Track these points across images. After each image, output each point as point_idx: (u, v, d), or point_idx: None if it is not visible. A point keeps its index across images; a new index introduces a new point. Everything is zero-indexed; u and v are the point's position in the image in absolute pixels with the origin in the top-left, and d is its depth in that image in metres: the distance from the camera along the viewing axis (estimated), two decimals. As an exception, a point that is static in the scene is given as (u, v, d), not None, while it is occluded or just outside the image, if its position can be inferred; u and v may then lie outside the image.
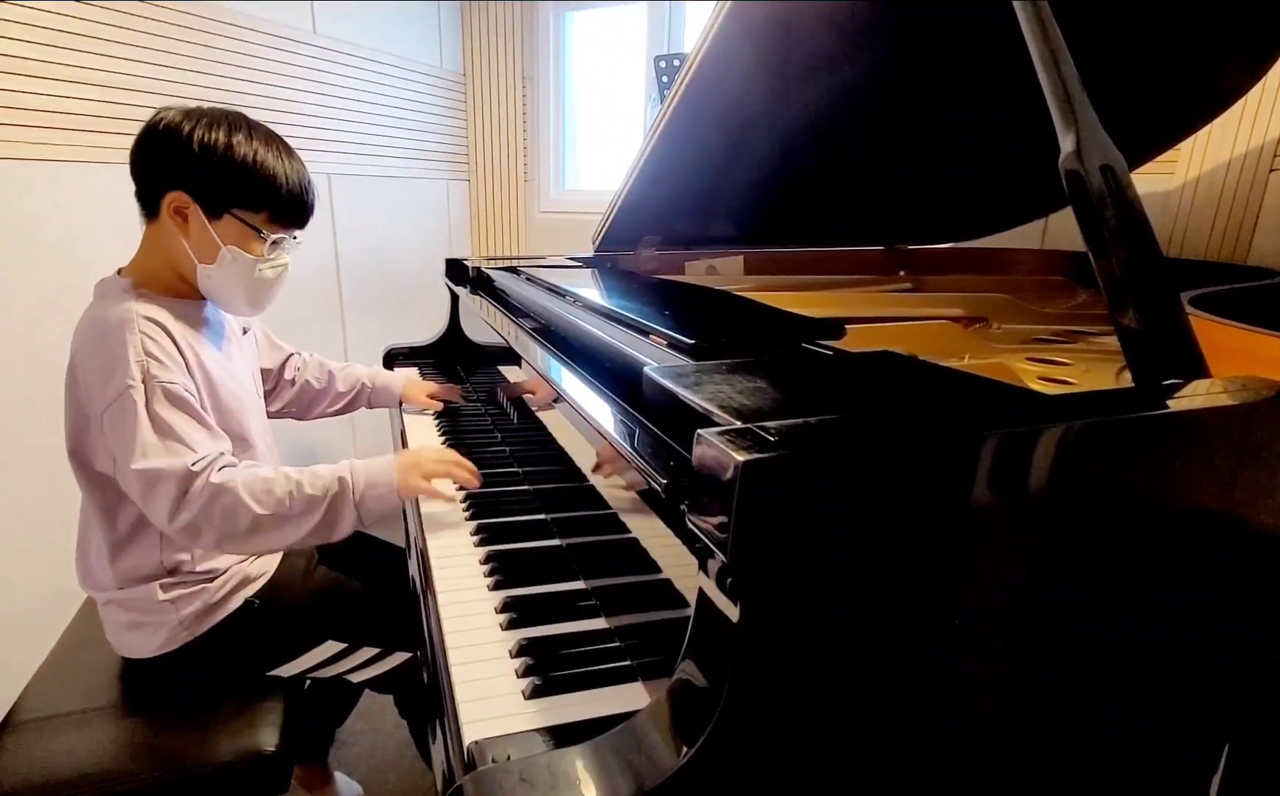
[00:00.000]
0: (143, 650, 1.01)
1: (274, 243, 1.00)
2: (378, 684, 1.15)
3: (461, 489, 1.08)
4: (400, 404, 1.49)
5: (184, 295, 1.01)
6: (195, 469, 0.87)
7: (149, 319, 0.92)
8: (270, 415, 1.29)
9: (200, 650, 1.02)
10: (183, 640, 1.00)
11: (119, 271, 1.00)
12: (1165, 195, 1.70)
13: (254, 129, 0.97)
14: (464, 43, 2.73)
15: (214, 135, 0.93)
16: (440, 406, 1.48)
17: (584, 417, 0.75)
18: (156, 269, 0.99)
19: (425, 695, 0.77)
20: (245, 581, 1.06)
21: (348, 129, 2.30)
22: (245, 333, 1.19)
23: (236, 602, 1.04)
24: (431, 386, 1.50)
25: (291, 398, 1.37)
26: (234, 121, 0.96)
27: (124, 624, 1.01)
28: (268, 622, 1.06)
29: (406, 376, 1.53)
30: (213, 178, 0.94)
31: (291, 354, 1.37)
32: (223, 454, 0.92)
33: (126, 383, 0.87)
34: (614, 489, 0.78)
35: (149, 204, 0.96)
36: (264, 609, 1.06)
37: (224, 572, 1.04)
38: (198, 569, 1.01)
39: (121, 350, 0.88)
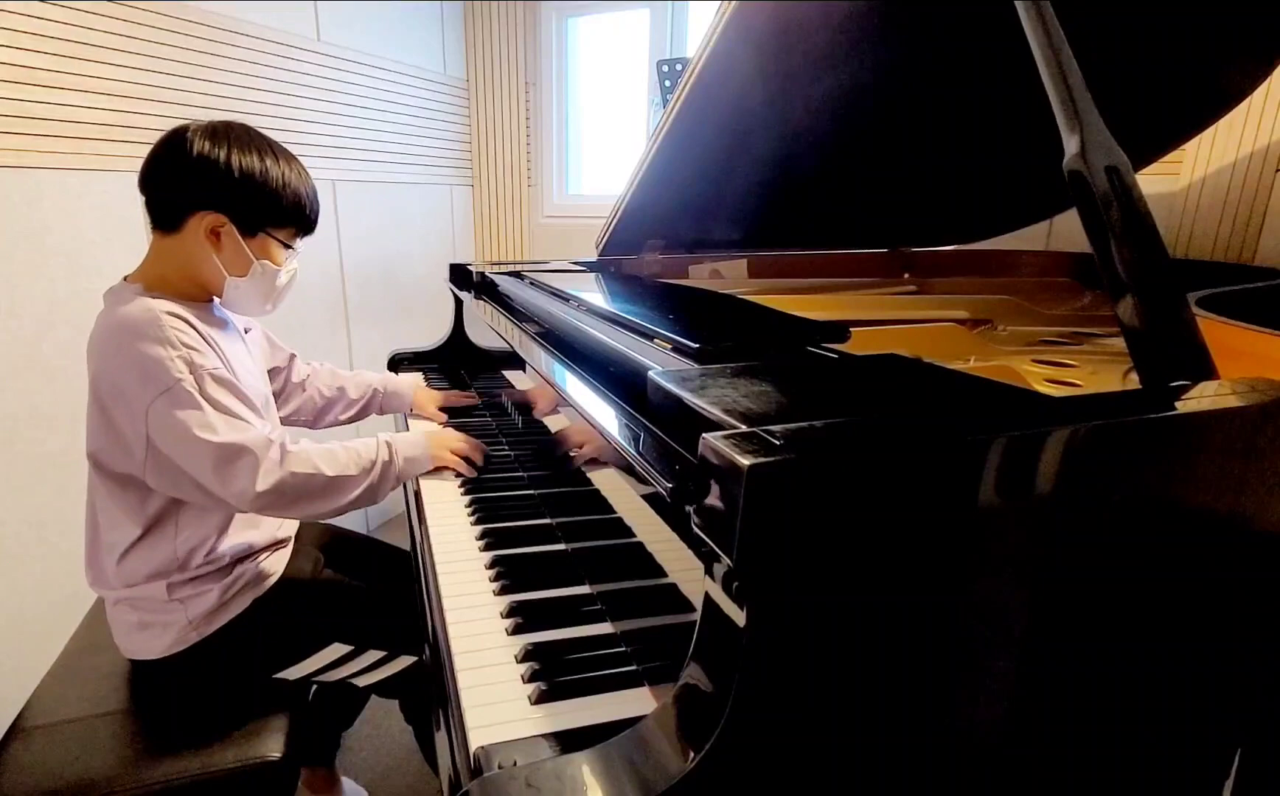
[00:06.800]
0: (151, 651, 1.01)
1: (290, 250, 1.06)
2: (383, 688, 1.16)
3: (464, 483, 1.15)
4: (410, 410, 1.50)
5: (193, 299, 1.02)
6: (272, 436, 0.94)
7: (172, 314, 0.93)
8: (282, 420, 1.30)
9: (208, 651, 1.02)
10: (191, 641, 1.01)
11: (125, 279, 1.01)
12: (1171, 196, 1.70)
13: (275, 149, 1.02)
14: (467, 48, 2.74)
15: (250, 161, 0.97)
16: (445, 419, 1.48)
17: (588, 421, 0.75)
18: (168, 276, 1.00)
19: (431, 699, 0.77)
20: (253, 582, 1.06)
21: (352, 135, 2.31)
22: (248, 332, 1.20)
23: (245, 603, 1.05)
24: (439, 396, 1.51)
25: (302, 403, 1.38)
26: (260, 144, 1.00)
27: (133, 624, 1.01)
28: (275, 623, 1.07)
29: (416, 383, 1.54)
30: (252, 202, 0.99)
31: (294, 354, 1.38)
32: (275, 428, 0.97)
33: (175, 375, 0.89)
34: (619, 493, 0.78)
35: (170, 219, 0.98)
36: (271, 609, 1.07)
37: (232, 573, 1.04)
38: (215, 552, 1.01)
39: (159, 346, 0.90)
